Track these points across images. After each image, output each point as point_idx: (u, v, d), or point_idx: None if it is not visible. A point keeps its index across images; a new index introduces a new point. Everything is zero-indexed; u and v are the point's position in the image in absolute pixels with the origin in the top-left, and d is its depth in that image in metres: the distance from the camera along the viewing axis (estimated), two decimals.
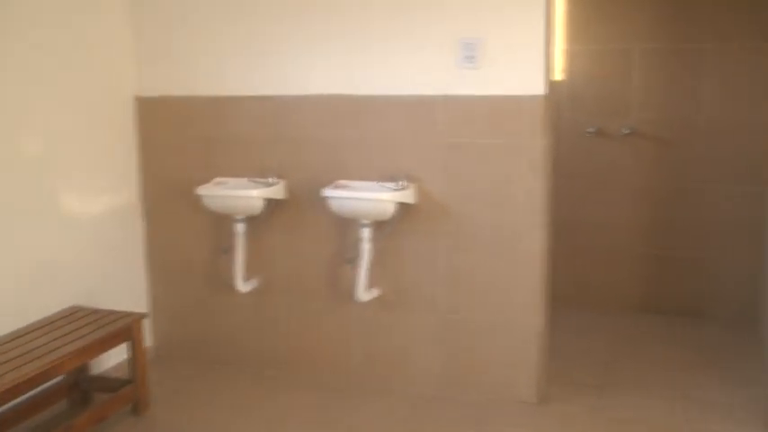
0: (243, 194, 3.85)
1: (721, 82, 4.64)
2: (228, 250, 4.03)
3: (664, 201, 4.86)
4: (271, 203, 3.92)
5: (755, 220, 4.67)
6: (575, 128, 4.89)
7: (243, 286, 4.04)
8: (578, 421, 3.60)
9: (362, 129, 3.77)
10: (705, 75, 4.66)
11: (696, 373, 4.10)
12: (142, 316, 3.70)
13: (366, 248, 3.74)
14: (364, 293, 3.78)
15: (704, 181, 4.77)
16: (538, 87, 3.49)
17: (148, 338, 4.18)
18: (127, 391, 3.65)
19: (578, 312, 4.91)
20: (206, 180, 3.99)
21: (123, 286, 4.17)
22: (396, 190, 3.65)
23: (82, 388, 3.77)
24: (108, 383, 3.78)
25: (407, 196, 3.66)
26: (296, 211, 3.94)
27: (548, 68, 3.51)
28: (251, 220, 3.98)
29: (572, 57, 4.85)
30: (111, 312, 3.70)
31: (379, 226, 3.75)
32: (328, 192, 3.68)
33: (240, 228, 3.97)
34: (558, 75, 4.82)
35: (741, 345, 4.46)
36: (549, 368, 3.85)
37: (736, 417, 3.62)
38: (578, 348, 4.43)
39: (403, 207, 3.69)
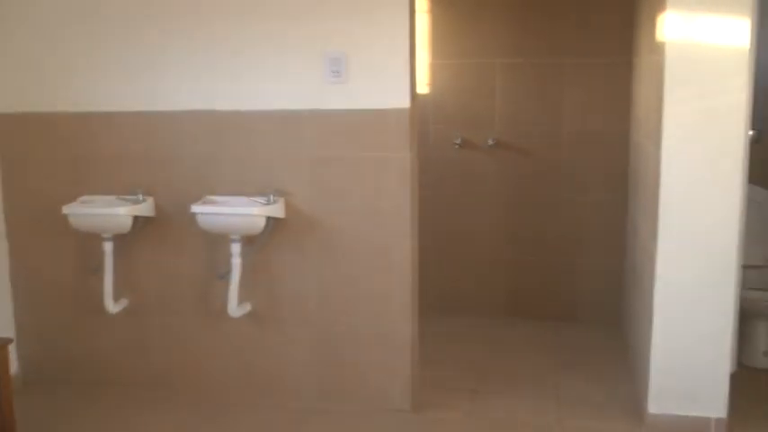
0: (110, 212, 3.77)
1: (580, 95, 4.82)
2: (97, 270, 3.93)
3: (530, 209, 5.01)
4: (139, 221, 3.85)
5: (616, 227, 4.87)
6: (441, 140, 4.98)
7: (113, 307, 3.94)
8: (452, 426, 3.67)
9: (231, 144, 3.76)
10: (565, 88, 4.84)
11: (565, 373, 4.24)
12: (7, 341, 3.56)
13: (237, 264, 3.72)
14: (236, 309, 3.76)
15: (567, 190, 4.93)
16: (403, 101, 3.55)
17: (14, 365, 4.04)
18: None
19: (450, 320, 4.99)
20: (73, 198, 3.89)
21: None
22: (265, 204, 3.65)
23: None
24: None
25: (277, 210, 3.67)
26: (165, 228, 3.89)
27: (412, 82, 3.57)
28: (120, 239, 3.90)
29: (437, 70, 4.95)
30: None
31: (250, 241, 3.75)
32: (196, 208, 3.65)
33: (108, 247, 3.89)
34: (424, 88, 4.91)
35: (606, 345, 4.63)
36: (423, 376, 3.91)
37: (603, 412, 3.77)
38: (451, 355, 4.51)
39: (273, 221, 3.69)
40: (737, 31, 3.28)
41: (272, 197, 3.68)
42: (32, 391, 4.09)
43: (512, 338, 4.78)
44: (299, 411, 3.81)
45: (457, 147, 4.98)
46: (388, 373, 3.77)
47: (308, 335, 3.82)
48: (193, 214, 3.65)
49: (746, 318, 4.18)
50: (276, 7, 3.61)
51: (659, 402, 3.59)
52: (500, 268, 5.11)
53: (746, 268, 4.21)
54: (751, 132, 4.23)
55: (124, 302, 4.00)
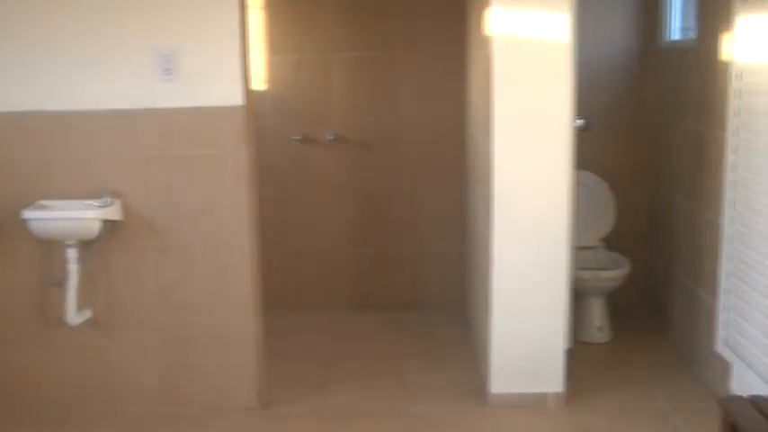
0: None
1: (416, 88, 4.92)
2: None
3: (372, 202, 5.07)
4: None
5: (457, 215, 4.98)
6: (281, 136, 4.97)
7: None
8: (302, 421, 3.70)
9: (62, 146, 3.63)
10: (402, 81, 4.92)
11: (413, 361, 4.33)
12: None
13: (73, 270, 3.61)
14: (75, 316, 3.65)
15: (408, 181, 5.02)
16: (237, 98, 3.54)
17: None
18: None
19: (297, 314, 4.98)
20: None
21: None
22: (100, 207, 3.55)
23: None
24: None
25: (113, 213, 3.58)
26: None
27: (246, 79, 3.56)
28: None
29: (273, 67, 4.94)
30: None
31: (87, 245, 3.64)
32: (28, 213, 3.52)
33: None
34: (262, 85, 4.88)
35: (451, 331, 4.76)
36: (271, 372, 3.91)
37: (448, 395, 3.89)
38: (298, 349, 4.53)
39: (109, 224, 3.60)
40: (558, 26, 3.43)
41: (107, 199, 3.59)
42: None
43: (358, 330, 4.84)
44: (144, 417, 3.74)
45: (297, 142, 4.97)
46: (233, 371, 3.75)
47: (151, 339, 3.75)
48: (25, 220, 3.52)
49: (581, 296, 4.40)
50: (105, 3, 3.51)
51: (500, 382, 3.74)
52: (345, 261, 5.15)
53: (580, 249, 4.44)
54: (580, 121, 4.46)
55: None
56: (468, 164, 4.75)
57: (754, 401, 2.61)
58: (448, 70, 4.86)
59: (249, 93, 3.61)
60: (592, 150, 4.68)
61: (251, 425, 3.67)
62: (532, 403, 3.71)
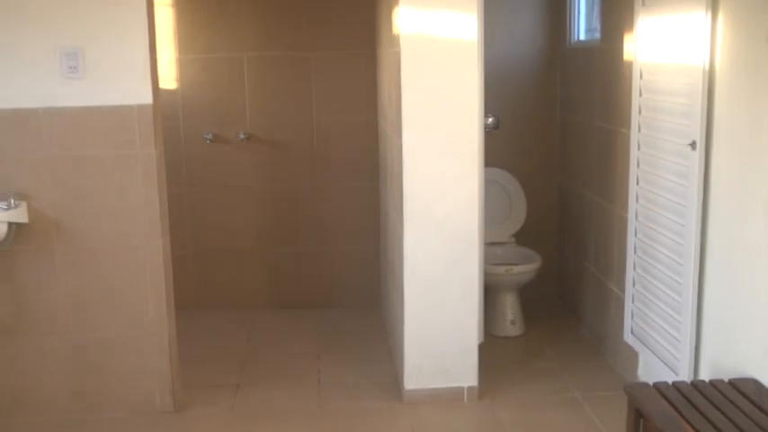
0: None
1: (328, 87, 4.93)
2: None
3: (285, 201, 5.06)
4: None
5: (370, 213, 5.03)
6: (192, 135, 4.92)
7: None
8: (216, 422, 3.67)
9: None
10: (313, 80, 4.92)
11: (328, 359, 4.34)
12: None
13: None
14: None
15: (322, 179, 5.03)
16: (145, 96, 3.49)
17: None
18: None
19: (211, 314, 4.95)
20: None
21: None
22: (5, 209, 3.46)
23: None
24: None
25: (18, 215, 3.49)
26: None
27: (154, 77, 3.52)
28: None
29: (183, 65, 4.88)
30: None
31: None
32: None
33: None
34: (172, 83, 4.83)
35: (366, 329, 4.78)
36: (185, 374, 3.86)
37: (363, 393, 3.92)
38: (213, 350, 4.49)
39: (15, 227, 3.50)
40: (465, 26, 3.49)
41: (12, 201, 3.50)
42: None
43: (273, 329, 4.83)
44: (56, 424, 3.65)
45: (208, 142, 4.92)
46: (148, 375, 3.69)
47: (62, 344, 3.67)
48: None
49: (493, 291, 4.49)
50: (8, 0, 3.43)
51: (415, 378, 3.77)
52: (259, 260, 5.13)
53: (492, 245, 4.53)
54: (490, 119, 4.55)
55: None
56: (380, 162, 4.78)
57: (658, 387, 2.71)
58: (360, 69, 4.89)
59: (157, 91, 3.57)
60: (502, 148, 4.79)
61: (166, 428, 3.62)
62: (447, 398, 3.76)
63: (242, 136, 4.93)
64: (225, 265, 5.13)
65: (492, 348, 4.17)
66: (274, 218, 5.08)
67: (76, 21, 3.44)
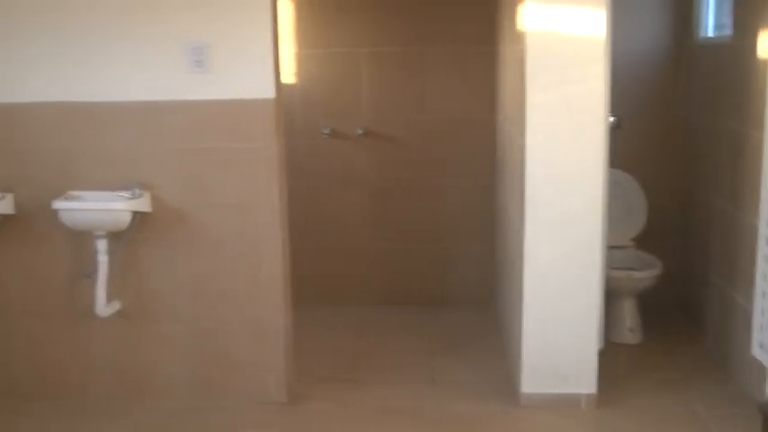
0: None
1: (446, 83, 4.87)
2: None
3: (400, 197, 5.03)
4: None
5: (484, 211, 4.96)
6: (310, 130, 4.95)
7: None
8: (330, 417, 3.66)
9: (93, 137, 3.63)
10: (430, 76, 4.88)
11: (441, 358, 4.29)
12: None
13: (103, 261, 3.60)
14: (104, 308, 3.64)
15: (437, 176, 4.98)
16: (268, 90, 3.51)
17: None
18: None
19: (324, 310, 4.95)
20: None
21: None
22: (130, 198, 3.54)
23: None
24: None
25: (142, 204, 3.57)
26: (26, 226, 3.72)
27: (277, 72, 3.54)
28: None
29: (302, 60, 4.91)
30: None
31: (116, 237, 3.63)
32: (59, 204, 3.51)
33: None
34: (291, 78, 4.86)
35: (479, 328, 4.71)
36: (299, 367, 3.88)
37: (478, 394, 3.84)
38: (327, 345, 4.50)
39: (139, 216, 3.59)
40: (594, 21, 3.38)
41: (136, 191, 3.58)
42: None
43: (386, 326, 4.80)
44: (173, 410, 3.72)
45: (326, 136, 4.95)
46: (262, 366, 3.73)
47: (181, 331, 3.74)
48: (56, 211, 3.51)
49: (612, 296, 4.33)
50: None
51: (532, 382, 3.68)
52: (372, 256, 5.12)
53: (611, 249, 4.38)
54: (611, 119, 4.41)
55: None
56: (498, 160, 4.70)
57: None
58: (478, 66, 4.82)
59: (280, 86, 3.59)
60: (623, 148, 4.63)
61: (280, 420, 3.63)
62: (564, 405, 3.65)
63: (359, 131, 4.93)
64: (338, 261, 5.14)
65: (609, 356, 4.03)
66: (388, 214, 5.07)
67: (203, 16, 3.49)
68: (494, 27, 4.73)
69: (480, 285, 5.03)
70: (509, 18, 4.06)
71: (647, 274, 4.37)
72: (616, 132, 4.55)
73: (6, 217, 3.70)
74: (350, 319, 4.91)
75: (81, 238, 3.66)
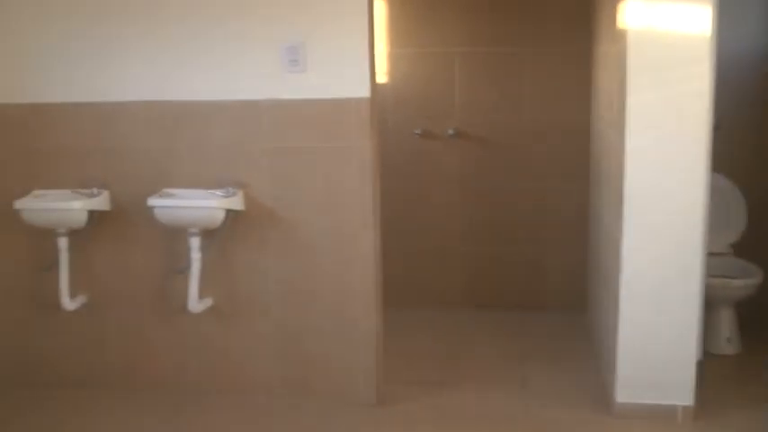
0: (64, 207, 3.67)
1: (539, 84, 4.78)
2: (51, 267, 3.82)
3: (491, 199, 4.96)
4: (95, 215, 3.74)
5: (577, 215, 4.85)
6: (401, 130, 4.92)
7: (69, 304, 3.83)
8: (418, 420, 3.62)
9: (188, 135, 3.67)
10: (524, 77, 4.79)
11: (531, 363, 4.21)
12: None
13: (196, 258, 3.64)
14: (197, 304, 3.68)
15: (529, 179, 4.90)
16: (363, 90, 3.49)
17: None
18: None
19: (413, 312, 4.92)
20: (25, 193, 3.77)
21: None
22: (224, 197, 3.56)
23: None
24: None
25: (236, 203, 3.59)
26: (122, 222, 3.79)
27: (372, 71, 3.51)
28: (75, 234, 3.79)
29: (395, 60, 4.89)
30: None
31: (209, 234, 3.66)
32: (154, 201, 3.56)
33: (63, 242, 3.77)
34: (383, 77, 4.84)
35: (571, 334, 4.62)
36: (388, 368, 3.85)
37: (571, 402, 3.75)
38: (415, 347, 4.46)
39: (232, 214, 3.61)
40: (699, 19, 3.26)
41: (230, 189, 3.60)
42: None
43: (475, 329, 4.74)
44: (261, 407, 3.74)
45: (417, 137, 4.92)
46: (352, 366, 3.72)
47: (271, 329, 3.75)
48: (151, 208, 3.56)
49: (710, 305, 4.18)
50: None
51: (627, 391, 3.57)
52: (461, 259, 5.06)
53: (709, 255, 4.22)
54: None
55: (81, 299, 3.89)
56: (593, 164, 4.59)
57: None
58: (573, 67, 4.72)
59: (375, 85, 3.56)
60: (722, 151, 4.44)
61: (368, 421, 3.61)
62: (659, 416, 3.54)
63: (450, 132, 4.88)
64: (426, 262, 5.10)
65: (708, 367, 3.89)
66: (479, 216, 5.00)
67: (299, 15, 3.49)
68: (589, 26, 4.62)
69: (571, 290, 4.93)
70: (608, 16, 3.95)
71: (745, 282, 4.20)
72: (716, 134, 4.41)
73: (102, 213, 3.77)
74: (439, 321, 4.86)
75: (174, 235, 3.71)
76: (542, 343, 4.50)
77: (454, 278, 5.09)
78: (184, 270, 3.67)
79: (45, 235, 3.80)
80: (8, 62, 3.78)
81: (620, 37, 3.52)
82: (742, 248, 4.54)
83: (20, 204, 3.68)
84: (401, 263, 5.03)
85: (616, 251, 3.55)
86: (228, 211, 3.58)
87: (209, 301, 3.75)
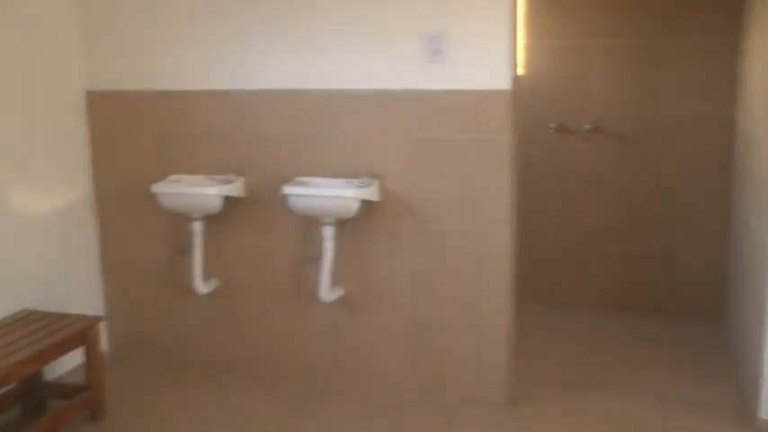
0: (199, 192, 3.72)
1: (682, 78, 4.59)
2: (185, 250, 3.89)
3: (627, 197, 4.80)
4: (229, 201, 3.78)
5: (718, 215, 4.64)
6: (536, 124, 4.80)
7: (202, 287, 3.90)
8: (550, 422, 3.53)
9: (324, 124, 3.66)
10: (664, 70, 4.61)
11: (667, 369, 4.05)
12: (98, 319, 3.56)
13: (329, 247, 3.63)
14: (328, 293, 3.67)
15: (667, 177, 4.71)
16: (504, 82, 3.40)
17: (104, 342, 4.04)
18: (83, 398, 3.50)
19: (546, 310, 4.81)
20: (161, 177, 3.85)
21: (77, 288, 4.02)
22: (359, 187, 3.54)
23: (36, 395, 3.62)
24: (63, 390, 3.64)
25: (371, 193, 3.56)
26: (256, 209, 3.82)
27: (513, 62, 3.42)
28: (209, 219, 3.84)
29: (532, 52, 4.77)
30: (65, 316, 3.56)
31: (342, 224, 3.64)
32: (289, 189, 3.56)
33: (198, 227, 3.83)
34: (519, 70, 4.72)
35: (709, 340, 4.42)
36: (519, 368, 3.75)
37: (707, 413, 3.58)
38: (548, 347, 4.35)
39: (366, 205, 3.58)
40: None
41: (366, 179, 3.57)
42: (121, 367, 4.08)
43: (611, 332, 4.59)
44: (389, 401, 3.71)
45: (552, 131, 4.79)
46: (483, 364, 3.64)
47: (401, 322, 3.72)
48: (285, 196, 3.56)
49: None
50: None
51: None
52: (595, 258, 4.92)
53: None
54: None
55: (214, 283, 3.95)
56: (738, 162, 4.36)
57: None
58: (718, 59, 4.51)
59: (516, 77, 3.47)
60: None
61: (499, 421, 3.53)
62: None
63: (587, 126, 4.74)
64: (562, 260, 4.99)
65: None
66: (614, 214, 4.85)
67: (440, 5, 3.42)
68: (738, 17, 4.39)
69: (710, 295, 4.72)
70: (762, 8, 3.73)
71: None
72: None
73: (237, 199, 3.80)
74: (572, 321, 4.74)
75: (307, 223, 3.71)
76: (676, 349, 4.32)
77: (587, 276, 4.96)
78: (316, 259, 3.67)
79: (181, 219, 3.87)
80: (145, 51, 3.86)
81: None
82: None
83: (156, 188, 3.75)
84: (534, 260, 4.92)
85: (762, 258, 3.36)
86: (363, 202, 3.55)
87: (339, 291, 3.74)
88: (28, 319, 3.52)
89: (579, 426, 3.49)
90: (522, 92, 4.67)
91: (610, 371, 4.05)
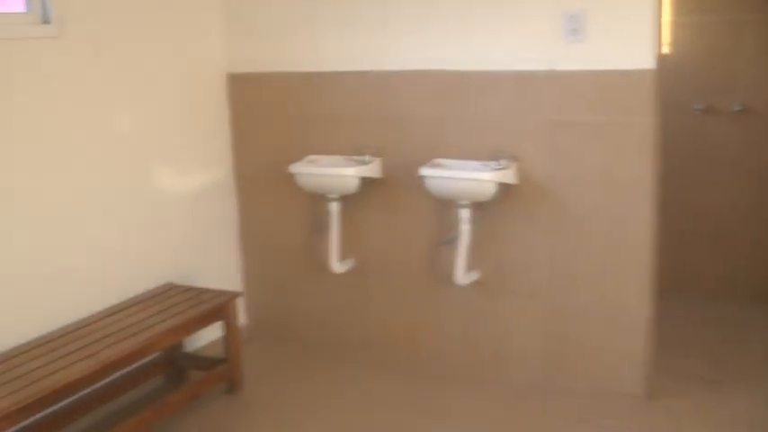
0: (337, 173, 3.77)
1: None
2: (322, 230, 3.95)
3: None
4: (366, 182, 3.81)
5: None
6: (680, 105, 4.57)
7: (338, 267, 3.96)
8: (687, 419, 3.38)
9: (462, 105, 3.63)
10: None
11: None
12: (236, 295, 3.68)
13: (465, 230, 3.60)
14: (463, 276, 3.65)
15: None
16: (647, 61, 3.27)
17: (242, 317, 4.17)
18: (221, 370, 3.64)
19: (686, 301, 4.61)
20: (300, 158, 3.92)
21: (217, 264, 4.16)
22: (496, 169, 3.49)
23: (177, 365, 3.79)
24: (203, 362, 3.79)
25: (508, 176, 3.51)
26: (392, 190, 3.84)
27: (657, 41, 3.28)
28: (346, 200, 3.89)
29: (678, 29, 4.55)
30: (206, 290, 3.70)
31: (479, 206, 3.60)
32: (426, 171, 3.55)
33: (335, 207, 3.89)
34: (663, 48, 4.52)
35: None
36: (658, 360, 3.61)
37: None
38: (688, 340, 4.17)
39: (503, 188, 3.52)
40: None
41: (503, 162, 3.52)
42: (258, 342, 4.22)
43: (756, 326, 4.35)
44: (522, 387, 3.68)
45: (698, 112, 4.57)
46: (619, 354, 3.54)
47: (537, 308, 3.66)
48: (421, 177, 3.56)
49: None
50: None
51: None
52: (745, 248, 4.66)
53: None
54: None
55: (349, 263, 4.00)
56: None
57: None
58: None
59: (660, 56, 3.33)
60: None
61: (633, 413, 3.43)
62: None
63: (736, 108, 4.49)
64: (704, 249, 4.77)
65: None
66: (762, 201, 4.58)
67: None
68: None
69: None
70: None
71: None
72: None
73: (373, 180, 3.83)
74: (714, 313, 4.53)
75: (443, 205, 3.69)
76: None
77: (734, 266, 4.71)
78: (452, 241, 3.65)
79: (318, 199, 3.93)
80: (285, 33, 3.93)
81: None
82: None
83: (294, 168, 3.82)
84: (675, 248, 4.70)
85: None
86: (500, 185, 3.50)
87: (475, 275, 3.71)
88: (171, 293, 3.67)
89: (718, 425, 3.33)
90: (666, 71, 4.51)
91: (753, 368, 3.84)
